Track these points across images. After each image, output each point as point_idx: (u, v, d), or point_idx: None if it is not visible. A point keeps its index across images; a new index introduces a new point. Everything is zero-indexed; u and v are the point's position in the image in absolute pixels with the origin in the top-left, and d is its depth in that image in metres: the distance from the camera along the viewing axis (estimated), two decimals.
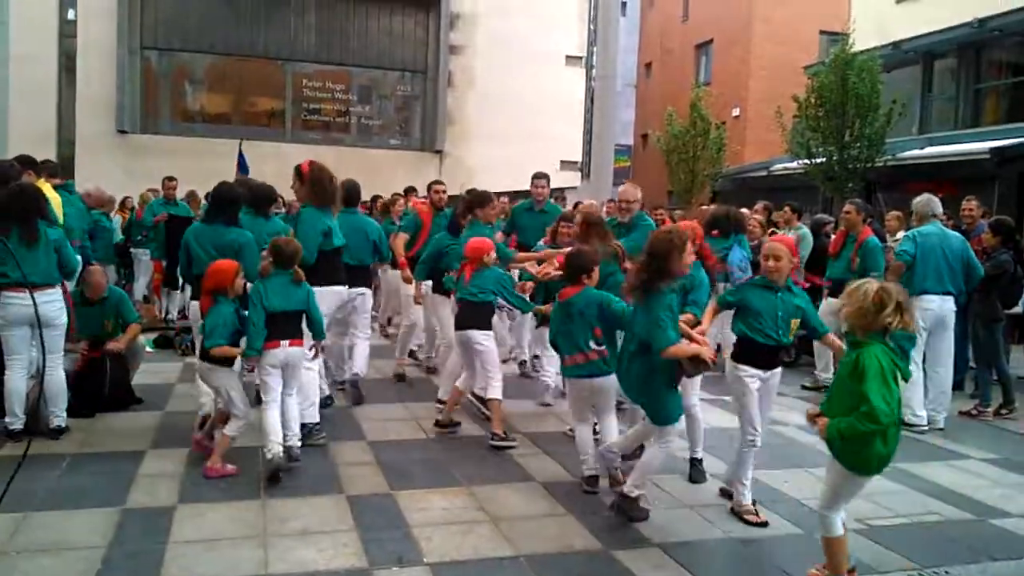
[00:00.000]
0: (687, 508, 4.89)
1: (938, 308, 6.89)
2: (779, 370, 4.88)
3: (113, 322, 6.66)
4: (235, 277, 5.19)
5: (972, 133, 16.91)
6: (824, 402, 3.81)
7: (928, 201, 7.21)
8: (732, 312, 4.91)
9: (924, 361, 7.04)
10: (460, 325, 6.03)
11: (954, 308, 7.00)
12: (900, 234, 9.18)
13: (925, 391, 7.00)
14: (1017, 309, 8.25)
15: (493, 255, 6.07)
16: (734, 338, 4.88)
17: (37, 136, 16.07)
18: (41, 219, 5.73)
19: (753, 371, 4.70)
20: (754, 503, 4.80)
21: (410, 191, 11.61)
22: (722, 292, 5.33)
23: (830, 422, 3.60)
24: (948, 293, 6.93)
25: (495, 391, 5.94)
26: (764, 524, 4.65)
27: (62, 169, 11.24)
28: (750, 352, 4.72)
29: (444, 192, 8.58)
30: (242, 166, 13.30)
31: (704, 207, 11.86)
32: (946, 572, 4.15)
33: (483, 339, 5.94)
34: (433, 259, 7.07)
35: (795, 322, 4.73)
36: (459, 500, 4.85)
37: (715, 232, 8.47)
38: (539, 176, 8.36)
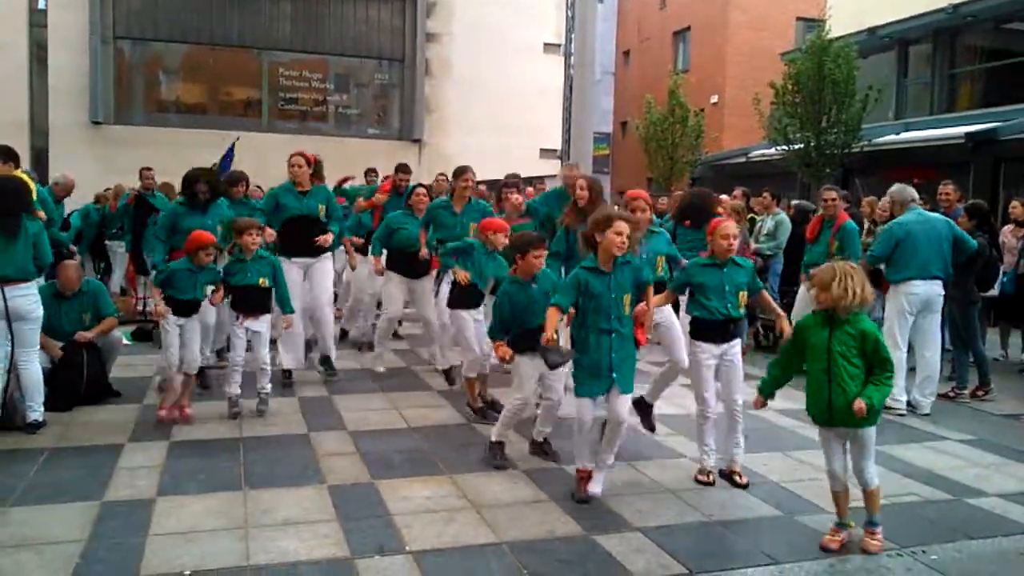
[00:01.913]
0: (668, 492, 4.91)
1: (924, 292, 6.88)
2: (737, 342, 5.04)
3: (91, 315, 6.60)
4: (198, 249, 5.99)
5: (947, 118, 17.04)
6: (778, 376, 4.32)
7: (903, 189, 7.26)
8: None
9: (910, 345, 7.11)
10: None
11: (941, 292, 6.96)
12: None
13: (913, 375, 7.09)
14: (993, 292, 8.35)
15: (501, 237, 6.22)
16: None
17: (9, 127, 15.84)
18: (25, 213, 5.66)
19: (707, 346, 4.94)
20: (738, 473, 5.08)
21: (370, 172, 11.59)
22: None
23: (874, 396, 3.93)
24: (934, 278, 6.90)
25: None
26: (712, 483, 4.99)
27: (36, 161, 11.11)
28: (703, 328, 4.95)
29: (407, 181, 8.88)
30: (225, 164, 12.90)
31: (678, 192, 11.87)
32: (924, 551, 4.20)
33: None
34: (385, 235, 7.52)
35: (743, 294, 4.94)
36: (441, 488, 4.84)
37: (687, 223, 8.49)
38: (465, 171, 8.84)
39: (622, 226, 4.59)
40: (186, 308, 6.06)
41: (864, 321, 4.05)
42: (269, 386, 6.36)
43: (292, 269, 7.01)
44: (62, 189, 9.78)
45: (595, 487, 4.76)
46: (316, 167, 7.30)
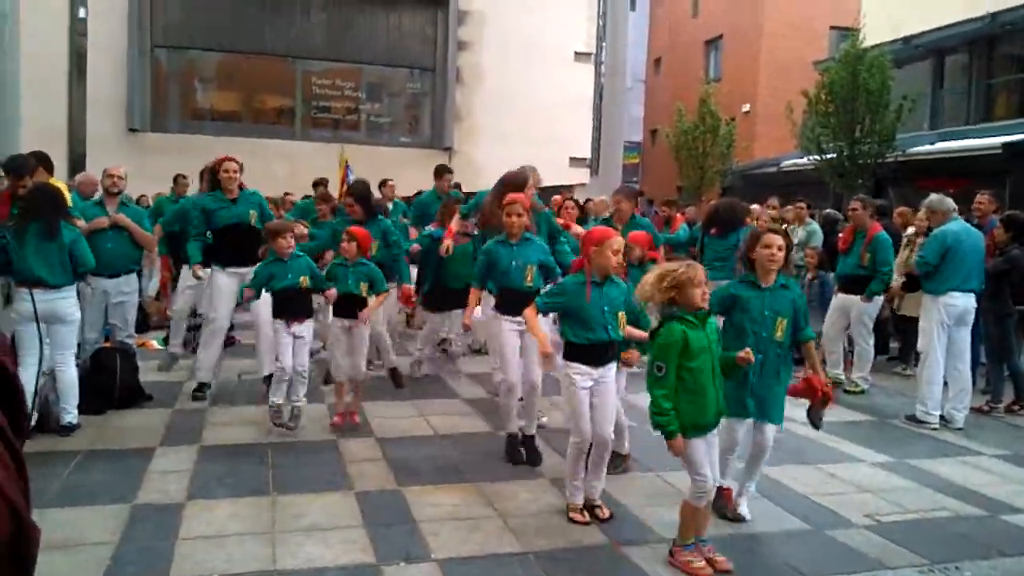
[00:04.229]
0: None
1: (962, 305, 6.83)
2: (612, 366, 4.59)
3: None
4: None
5: (984, 128, 16.80)
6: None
7: (943, 200, 7.18)
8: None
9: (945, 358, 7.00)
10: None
11: (975, 305, 6.93)
12: (910, 230, 9.14)
13: (945, 388, 6.99)
14: None
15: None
16: None
17: (48, 135, 16.09)
18: (62, 218, 5.77)
19: (584, 368, 4.47)
20: (590, 507, 4.62)
21: (320, 183, 11.44)
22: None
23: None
24: (971, 291, 6.87)
25: None
26: (587, 523, 4.50)
27: (74, 168, 11.23)
28: (578, 351, 4.50)
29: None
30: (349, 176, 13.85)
31: (712, 202, 11.84)
32: (956, 568, 4.13)
33: None
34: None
35: (622, 315, 4.53)
36: (467, 496, 4.86)
37: (713, 231, 8.47)
38: (448, 170, 9.35)
39: (771, 239, 4.52)
40: (350, 308, 6.05)
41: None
42: (304, 399, 6.12)
43: (224, 279, 6.89)
44: (87, 189, 9.71)
45: (744, 510, 4.66)
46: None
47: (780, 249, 4.49)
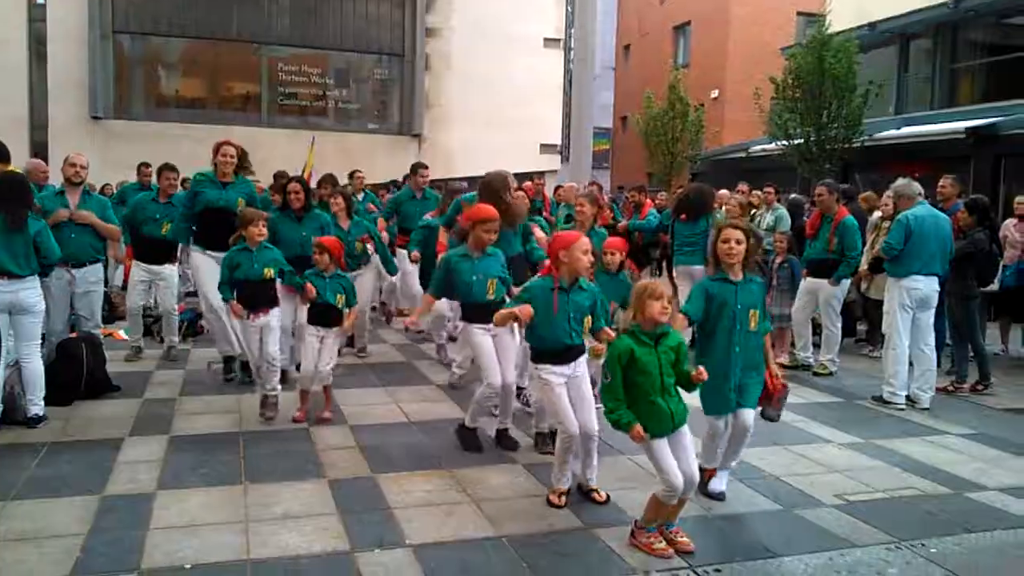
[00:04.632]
0: None
1: (924, 288, 6.92)
2: (583, 360, 4.64)
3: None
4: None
5: (948, 113, 17.03)
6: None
7: (909, 184, 7.28)
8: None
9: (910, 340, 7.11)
10: None
11: (937, 288, 7.02)
12: (876, 214, 9.26)
13: (911, 369, 7.09)
14: (992, 287, 8.35)
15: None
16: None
17: (8, 123, 15.83)
18: (29, 209, 5.66)
19: (555, 368, 4.51)
20: (587, 491, 4.69)
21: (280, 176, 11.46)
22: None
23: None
24: (934, 274, 6.96)
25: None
26: (562, 507, 4.52)
27: (35, 155, 11.04)
28: (545, 353, 4.54)
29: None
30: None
31: (680, 189, 11.91)
32: (923, 544, 4.20)
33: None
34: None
35: (588, 319, 4.55)
36: (441, 482, 4.85)
37: (683, 217, 8.53)
38: (423, 166, 9.33)
39: (729, 233, 4.49)
40: (325, 318, 5.97)
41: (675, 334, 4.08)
42: (279, 387, 6.15)
43: (210, 263, 6.84)
44: (36, 176, 9.45)
45: (719, 484, 4.77)
46: (242, 159, 7.16)
47: (738, 243, 4.46)
